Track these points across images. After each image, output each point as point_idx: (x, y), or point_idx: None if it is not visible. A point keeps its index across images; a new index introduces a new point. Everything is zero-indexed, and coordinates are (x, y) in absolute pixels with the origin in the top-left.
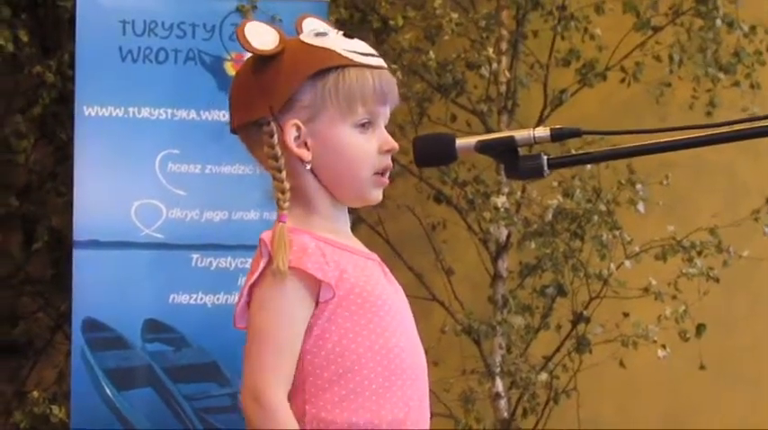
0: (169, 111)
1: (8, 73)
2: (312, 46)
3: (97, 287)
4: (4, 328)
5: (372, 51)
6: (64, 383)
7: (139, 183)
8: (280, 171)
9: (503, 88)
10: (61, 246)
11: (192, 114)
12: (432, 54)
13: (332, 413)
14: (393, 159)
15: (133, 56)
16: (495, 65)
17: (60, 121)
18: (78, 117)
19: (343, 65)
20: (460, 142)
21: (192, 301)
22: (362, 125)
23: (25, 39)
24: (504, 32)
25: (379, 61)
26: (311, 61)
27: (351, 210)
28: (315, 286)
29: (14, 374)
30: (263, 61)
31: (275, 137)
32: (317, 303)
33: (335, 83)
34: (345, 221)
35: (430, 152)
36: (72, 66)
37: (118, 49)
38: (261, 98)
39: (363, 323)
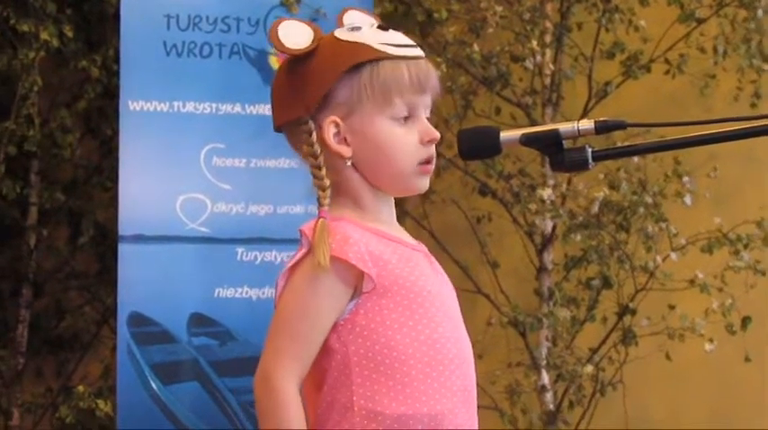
0: (214, 105)
1: (54, 68)
2: (345, 41)
3: (143, 281)
4: (51, 323)
5: (409, 42)
6: (110, 378)
7: (184, 178)
8: (319, 169)
9: (547, 81)
10: (107, 240)
11: (237, 108)
12: (476, 47)
13: (380, 404)
14: (438, 153)
15: (177, 50)
16: (539, 57)
17: (105, 116)
18: (123, 112)
19: (377, 58)
20: (505, 135)
21: (237, 295)
22: (402, 118)
23: (70, 34)
24: (549, 25)
25: (416, 51)
26: (344, 57)
27: (396, 204)
28: (356, 276)
29: (60, 369)
30: (296, 61)
31: (314, 135)
32: (359, 292)
33: (370, 76)
34: (391, 212)
35: (475, 145)
36: (117, 60)
37: (162, 44)
38: (296, 97)
39: (408, 314)
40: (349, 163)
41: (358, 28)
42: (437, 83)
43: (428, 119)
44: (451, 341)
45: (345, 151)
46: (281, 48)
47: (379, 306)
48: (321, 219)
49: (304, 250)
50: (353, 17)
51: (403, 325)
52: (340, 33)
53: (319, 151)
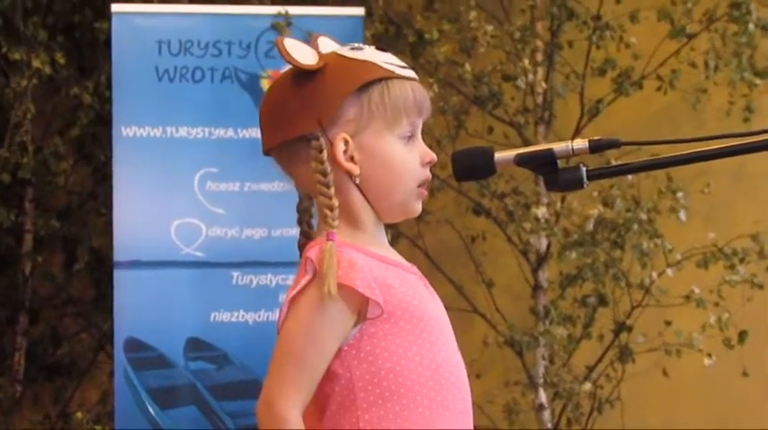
0: (206, 129)
1: (46, 95)
2: (353, 59)
3: (138, 307)
4: (48, 350)
5: (405, 64)
6: (107, 403)
7: (178, 203)
8: (328, 187)
9: (539, 99)
10: (102, 266)
11: (230, 132)
12: (468, 67)
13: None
14: (432, 173)
15: (170, 75)
16: (531, 76)
17: (99, 142)
18: (116, 137)
19: (387, 77)
20: (499, 156)
21: (233, 319)
22: (406, 137)
23: (62, 61)
24: (540, 43)
25: (413, 73)
26: (356, 74)
27: (390, 225)
28: (361, 302)
29: (58, 395)
30: (304, 76)
31: (324, 152)
32: (363, 318)
33: (381, 95)
34: (384, 236)
35: (469, 166)
36: (109, 86)
37: (154, 69)
38: (305, 113)
39: (412, 339)
40: (357, 180)
41: (360, 48)
42: (430, 105)
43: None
44: (452, 364)
45: (354, 169)
46: (293, 62)
47: (384, 331)
48: (330, 243)
49: (308, 277)
50: (326, 44)
51: (407, 349)
52: (343, 52)
53: (329, 169)
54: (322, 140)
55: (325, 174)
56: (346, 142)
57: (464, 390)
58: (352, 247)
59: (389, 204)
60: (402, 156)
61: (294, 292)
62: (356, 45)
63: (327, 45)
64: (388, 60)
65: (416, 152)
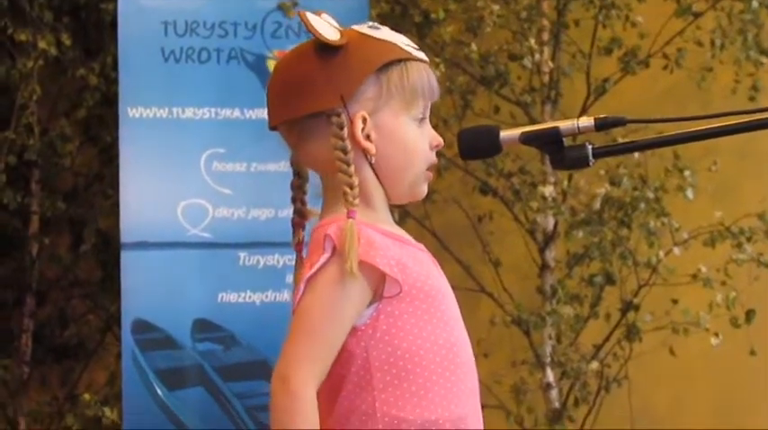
0: (213, 110)
1: (52, 77)
2: (375, 38)
3: (146, 288)
4: (55, 332)
5: (417, 47)
6: (115, 385)
7: (185, 183)
8: (348, 164)
9: (545, 79)
10: (109, 248)
11: (236, 113)
12: (474, 46)
13: (404, 410)
14: (438, 153)
15: (176, 56)
16: (537, 55)
17: (105, 124)
18: (122, 119)
19: (406, 58)
20: (505, 134)
21: (240, 300)
22: (419, 119)
23: (68, 42)
24: (546, 23)
25: (425, 56)
26: (378, 53)
27: (397, 205)
28: (379, 280)
29: (66, 377)
30: (327, 51)
31: (345, 129)
32: (380, 296)
33: (400, 76)
34: (391, 217)
35: (475, 145)
36: (115, 68)
37: (160, 50)
38: (328, 88)
39: (427, 318)
40: (372, 160)
41: (378, 27)
42: (438, 89)
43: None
44: (461, 344)
45: (371, 148)
46: (321, 37)
47: (400, 310)
48: (351, 221)
49: (328, 254)
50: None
51: (422, 329)
52: (366, 30)
53: (349, 146)
54: (343, 117)
55: (345, 152)
56: (365, 120)
57: (473, 370)
58: (368, 226)
59: (400, 185)
60: (415, 138)
61: (312, 272)
62: (373, 24)
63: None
64: (405, 42)
65: (426, 135)
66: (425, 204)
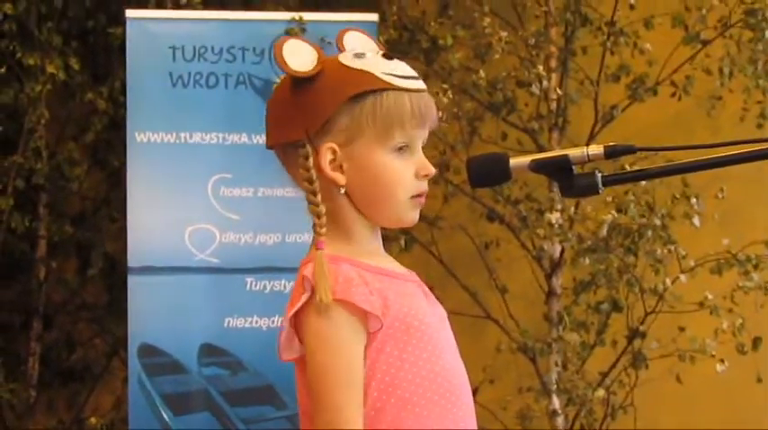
0: (220, 135)
1: (60, 101)
2: (350, 68)
3: (152, 312)
4: (62, 355)
5: (412, 73)
6: (121, 409)
7: (192, 208)
8: (315, 194)
9: (553, 105)
10: (116, 272)
11: (244, 138)
12: (482, 73)
13: None
14: (445, 179)
15: (183, 81)
16: (545, 82)
17: (112, 148)
18: (130, 143)
19: (382, 88)
20: (514, 162)
21: (247, 325)
22: (399, 149)
23: (76, 67)
24: (554, 49)
25: (418, 84)
26: (349, 84)
27: (404, 231)
28: (363, 317)
29: (72, 401)
30: (300, 82)
31: (310, 160)
32: (366, 333)
33: (373, 107)
34: (380, 243)
35: (484, 173)
36: (123, 92)
37: (168, 75)
38: (297, 119)
39: (410, 350)
40: (342, 191)
41: (362, 55)
42: (436, 117)
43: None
44: (452, 371)
45: (340, 179)
46: (285, 68)
47: (383, 344)
48: (319, 253)
49: (308, 294)
50: (355, 40)
51: (405, 361)
52: (344, 59)
53: (315, 176)
54: (308, 148)
55: (311, 182)
56: (334, 152)
57: (468, 397)
58: (344, 260)
59: (379, 215)
60: (392, 170)
61: (293, 311)
62: (360, 52)
63: (355, 41)
64: (389, 71)
65: (411, 165)
66: (432, 230)
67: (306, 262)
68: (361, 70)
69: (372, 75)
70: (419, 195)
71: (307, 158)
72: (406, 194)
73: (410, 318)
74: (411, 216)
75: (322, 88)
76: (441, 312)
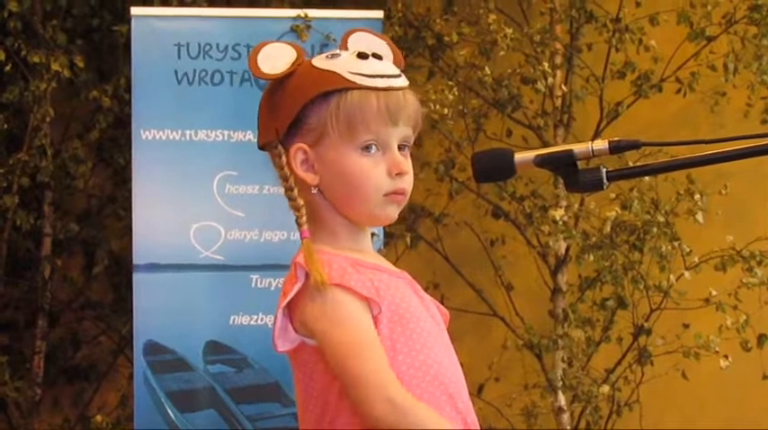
0: (225, 132)
1: (65, 99)
2: (318, 69)
3: (158, 310)
4: (67, 353)
5: (387, 72)
6: (127, 407)
7: (198, 206)
8: (291, 190)
9: (558, 102)
10: (121, 269)
11: (249, 135)
12: (487, 70)
13: None
14: (450, 176)
15: (189, 78)
16: (550, 79)
17: (118, 146)
18: (135, 141)
19: (346, 87)
20: (519, 157)
21: (252, 322)
22: (366, 148)
23: (81, 64)
24: (559, 46)
25: (390, 82)
26: (313, 85)
27: (409, 228)
28: (363, 300)
29: (78, 399)
30: (274, 84)
31: (283, 158)
32: (371, 314)
33: (336, 106)
34: (366, 240)
35: (489, 168)
36: (128, 90)
37: (173, 73)
38: (267, 121)
39: (403, 340)
40: (314, 190)
41: (337, 55)
42: (414, 114)
43: (406, 149)
44: (444, 366)
45: (311, 179)
46: (255, 72)
47: (377, 331)
48: (305, 240)
49: (302, 281)
50: (360, 41)
51: (398, 352)
52: (317, 61)
53: (289, 175)
54: (280, 148)
55: (285, 180)
56: (305, 152)
57: (463, 391)
58: (335, 255)
59: (353, 212)
60: (360, 169)
61: (287, 301)
62: (335, 52)
63: (360, 41)
64: (356, 69)
65: (383, 163)
66: (437, 227)
67: (296, 255)
68: (327, 70)
69: (338, 74)
70: (395, 193)
71: (280, 157)
72: (378, 192)
73: (402, 309)
74: (386, 213)
75: (290, 90)
76: (436, 314)
